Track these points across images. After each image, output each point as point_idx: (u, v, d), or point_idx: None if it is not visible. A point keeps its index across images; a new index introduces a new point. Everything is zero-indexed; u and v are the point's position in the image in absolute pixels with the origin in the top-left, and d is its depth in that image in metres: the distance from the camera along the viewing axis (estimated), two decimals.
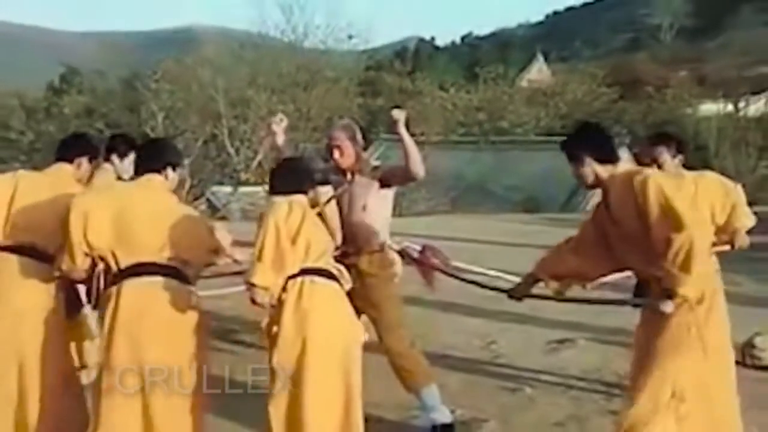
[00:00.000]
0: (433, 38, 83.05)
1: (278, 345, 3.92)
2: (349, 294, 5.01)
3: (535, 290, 4.36)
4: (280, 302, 3.93)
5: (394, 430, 5.02)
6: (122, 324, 3.98)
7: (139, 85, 25.36)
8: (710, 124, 23.20)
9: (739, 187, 5.23)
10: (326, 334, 3.94)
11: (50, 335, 4.29)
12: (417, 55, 51.52)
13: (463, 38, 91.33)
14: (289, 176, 4.22)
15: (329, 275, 4.07)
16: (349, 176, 4.97)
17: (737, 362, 6.01)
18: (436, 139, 25.70)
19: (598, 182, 3.99)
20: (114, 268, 4.05)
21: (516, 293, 4.40)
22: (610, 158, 3.96)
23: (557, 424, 5.13)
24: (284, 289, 3.93)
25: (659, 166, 5.18)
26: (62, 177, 4.50)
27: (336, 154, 4.95)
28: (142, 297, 4.00)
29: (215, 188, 23.23)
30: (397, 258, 5.02)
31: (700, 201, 4.93)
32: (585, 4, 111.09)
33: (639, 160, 5.90)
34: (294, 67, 25.58)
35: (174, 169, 4.27)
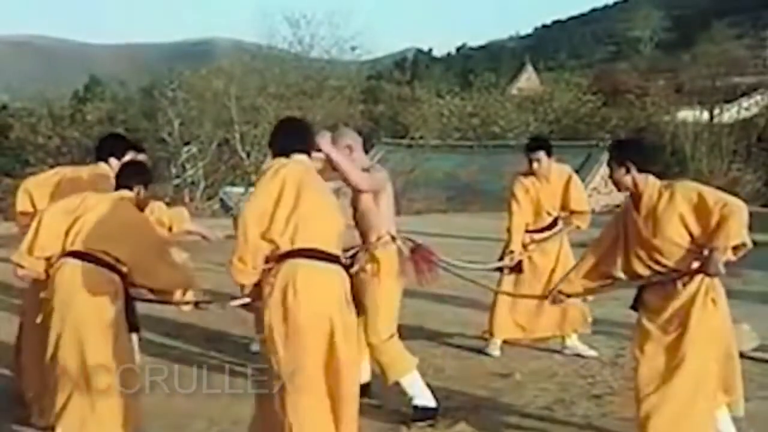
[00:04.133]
0: (430, 49, 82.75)
1: (50, 317, 4.19)
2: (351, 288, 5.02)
3: None
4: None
5: (390, 413, 4.99)
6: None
7: (157, 93, 25.34)
8: (687, 130, 23.17)
9: (734, 204, 3.96)
10: (78, 313, 4.12)
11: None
12: (415, 65, 51.39)
13: (458, 49, 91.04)
14: (122, 174, 4.54)
15: (98, 261, 4.18)
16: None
17: None
18: (433, 143, 25.70)
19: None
20: None
21: None
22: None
23: (545, 407, 5.12)
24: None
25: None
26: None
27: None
28: None
29: (228, 189, 23.12)
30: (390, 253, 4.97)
31: (662, 211, 4.07)
32: (571, 18, 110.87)
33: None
34: (301, 77, 25.58)
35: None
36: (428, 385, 4.90)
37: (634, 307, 4.29)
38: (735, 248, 3.97)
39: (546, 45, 79.16)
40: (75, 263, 4.19)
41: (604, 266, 4.36)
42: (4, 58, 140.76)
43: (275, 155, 3.98)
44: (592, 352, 6.20)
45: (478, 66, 43.60)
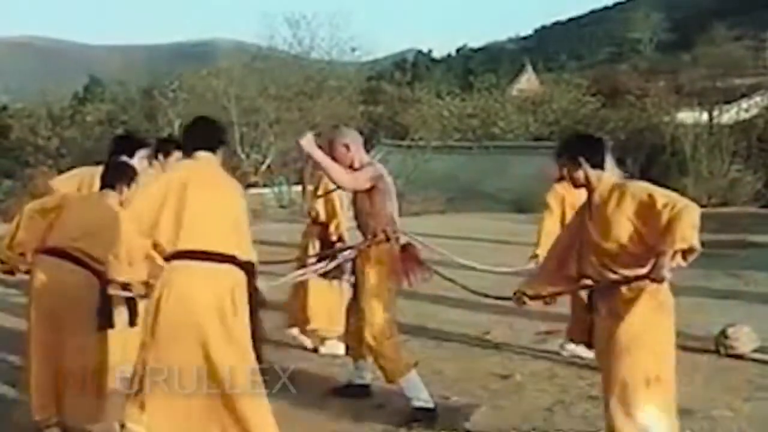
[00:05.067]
0: (430, 50, 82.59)
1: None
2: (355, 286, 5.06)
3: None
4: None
5: (390, 415, 4.99)
6: None
7: (157, 94, 25.33)
8: (687, 131, 23.15)
9: (686, 206, 3.67)
10: (48, 308, 4.35)
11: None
12: (415, 66, 51.32)
13: (458, 50, 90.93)
14: (107, 174, 4.64)
15: (73, 258, 4.34)
16: None
17: (713, 351, 6.06)
18: (434, 144, 25.69)
19: None
20: None
21: None
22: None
23: (545, 408, 5.11)
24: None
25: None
26: None
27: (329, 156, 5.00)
28: None
29: None
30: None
31: (611, 212, 3.86)
32: (571, 19, 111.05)
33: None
34: (301, 78, 25.53)
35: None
36: (427, 386, 4.90)
37: (589, 310, 4.12)
38: (685, 253, 3.69)
39: (546, 46, 79.31)
40: (49, 260, 4.33)
41: (564, 269, 4.15)
42: (4, 59, 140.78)
43: (183, 155, 4.04)
44: (592, 354, 6.18)
45: (478, 67, 43.67)
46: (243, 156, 23.51)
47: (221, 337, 3.69)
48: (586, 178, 4.04)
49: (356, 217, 5.05)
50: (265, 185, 22.86)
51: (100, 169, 5.19)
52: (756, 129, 24.00)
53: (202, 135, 4.03)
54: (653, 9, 61.48)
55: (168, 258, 3.73)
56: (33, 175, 22.84)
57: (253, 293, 3.88)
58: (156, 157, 5.48)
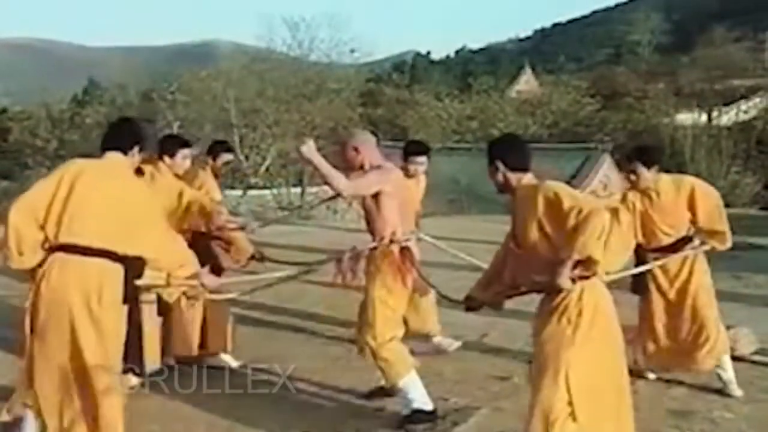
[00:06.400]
0: (429, 52, 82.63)
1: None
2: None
3: None
4: None
5: (389, 416, 4.98)
6: None
7: (156, 96, 25.34)
8: (686, 133, 23.19)
9: (593, 212, 3.49)
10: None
11: None
12: (414, 68, 51.52)
13: (457, 52, 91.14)
14: None
15: None
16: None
17: None
18: (435, 146, 25.76)
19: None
20: None
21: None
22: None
23: None
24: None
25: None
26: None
27: (340, 159, 5.00)
28: None
29: (226, 192, 23.28)
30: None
31: (526, 215, 3.73)
32: (570, 21, 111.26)
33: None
34: (300, 80, 25.57)
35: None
36: (427, 388, 4.89)
37: None
38: (588, 262, 3.55)
39: (545, 48, 79.49)
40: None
41: (501, 276, 4.01)
42: (4, 61, 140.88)
43: (98, 155, 4.07)
44: None
45: (477, 69, 43.80)
46: (242, 157, 23.54)
47: (88, 332, 3.75)
48: (506, 181, 3.86)
49: (366, 219, 5.04)
50: (264, 187, 22.87)
51: None
52: (755, 131, 24.06)
53: (115, 136, 4.10)
54: (653, 11, 61.59)
55: (52, 250, 3.81)
56: (32, 177, 22.85)
57: (130, 289, 3.91)
58: (161, 158, 5.49)
